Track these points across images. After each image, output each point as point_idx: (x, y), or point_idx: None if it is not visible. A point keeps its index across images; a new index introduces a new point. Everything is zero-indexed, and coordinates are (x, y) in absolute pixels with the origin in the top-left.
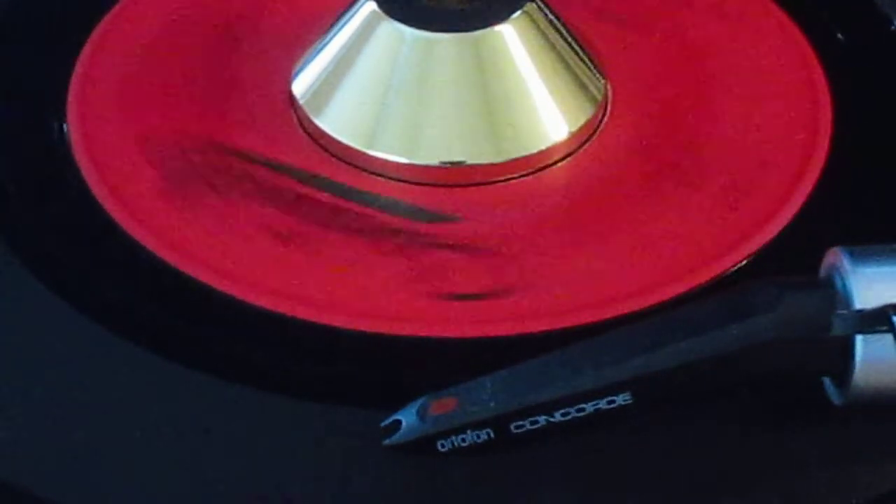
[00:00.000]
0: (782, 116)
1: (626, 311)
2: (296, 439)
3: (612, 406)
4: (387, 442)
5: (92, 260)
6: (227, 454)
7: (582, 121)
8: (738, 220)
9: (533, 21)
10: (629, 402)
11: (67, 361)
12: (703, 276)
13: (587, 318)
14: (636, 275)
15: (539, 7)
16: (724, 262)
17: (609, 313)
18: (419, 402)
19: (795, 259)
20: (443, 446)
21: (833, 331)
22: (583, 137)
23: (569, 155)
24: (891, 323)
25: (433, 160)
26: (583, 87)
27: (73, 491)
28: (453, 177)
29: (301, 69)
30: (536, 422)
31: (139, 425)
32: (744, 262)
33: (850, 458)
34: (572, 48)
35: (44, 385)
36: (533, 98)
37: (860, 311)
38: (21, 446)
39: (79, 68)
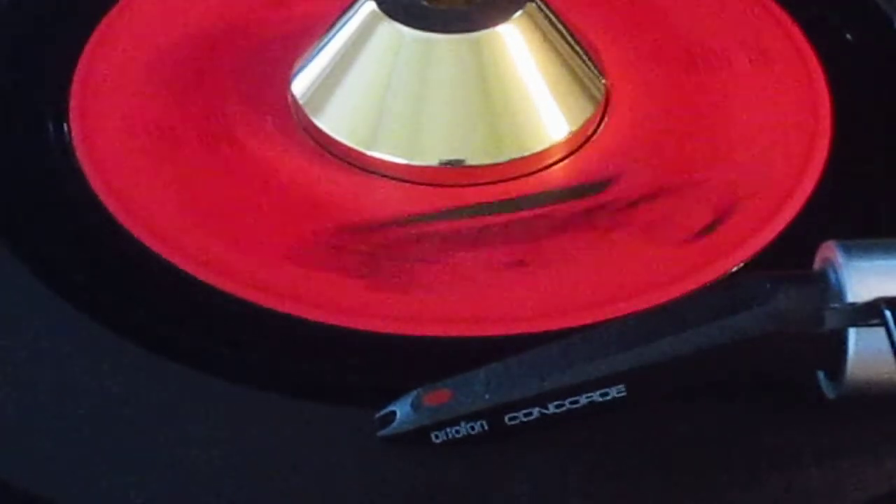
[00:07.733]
0: (782, 116)
1: (625, 311)
2: (302, 439)
3: (606, 399)
4: (381, 433)
5: (92, 260)
6: (226, 455)
7: (582, 121)
8: (738, 220)
9: (533, 21)
10: (623, 394)
11: (67, 361)
12: (704, 277)
13: (580, 320)
14: (638, 275)
15: (539, 7)
16: (724, 262)
17: (608, 314)
18: (414, 393)
19: (796, 259)
20: (437, 437)
21: (826, 324)
22: (583, 137)
23: (569, 155)
24: (883, 316)
25: (433, 160)
26: (583, 87)
27: (72, 491)
28: (453, 177)
29: (301, 69)
30: (530, 414)
31: (138, 425)
32: (744, 263)
33: (846, 455)
34: (572, 48)
35: (43, 385)
36: (533, 98)
37: (853, 305)
38: (21, 446)
39: (79, 68)
